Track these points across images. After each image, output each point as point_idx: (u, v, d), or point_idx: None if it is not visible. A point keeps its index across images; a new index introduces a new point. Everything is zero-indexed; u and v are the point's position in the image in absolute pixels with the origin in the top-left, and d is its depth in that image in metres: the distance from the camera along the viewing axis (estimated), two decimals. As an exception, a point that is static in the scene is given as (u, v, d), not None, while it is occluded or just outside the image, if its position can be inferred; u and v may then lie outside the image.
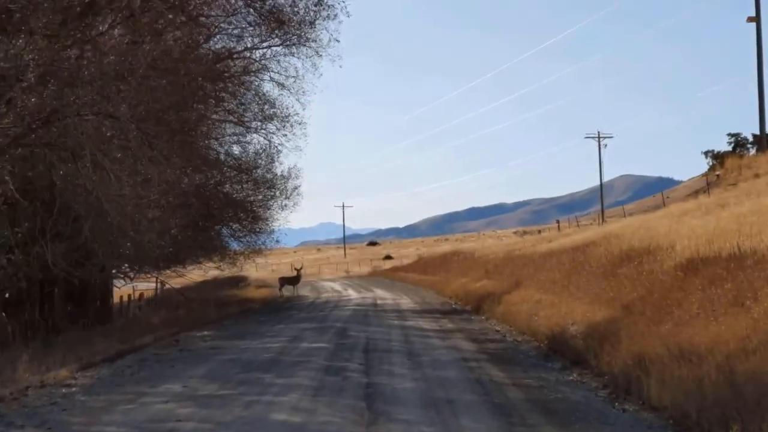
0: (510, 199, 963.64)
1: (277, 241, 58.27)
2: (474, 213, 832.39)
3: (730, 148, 79.54)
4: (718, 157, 78.20)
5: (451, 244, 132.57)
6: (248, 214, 52.85)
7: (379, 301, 43.97)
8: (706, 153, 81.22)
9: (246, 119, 51.64)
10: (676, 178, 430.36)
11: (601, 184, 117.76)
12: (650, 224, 34.38)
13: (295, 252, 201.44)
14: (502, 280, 38.37)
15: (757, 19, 64.11)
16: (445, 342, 23.25)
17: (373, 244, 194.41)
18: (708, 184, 63.61)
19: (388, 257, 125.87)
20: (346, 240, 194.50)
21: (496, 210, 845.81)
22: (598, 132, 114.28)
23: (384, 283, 69.19)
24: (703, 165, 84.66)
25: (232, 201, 49.68)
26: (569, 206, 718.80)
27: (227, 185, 49.47)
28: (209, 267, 58.82)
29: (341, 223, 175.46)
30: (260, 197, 52.58)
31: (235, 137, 52.41)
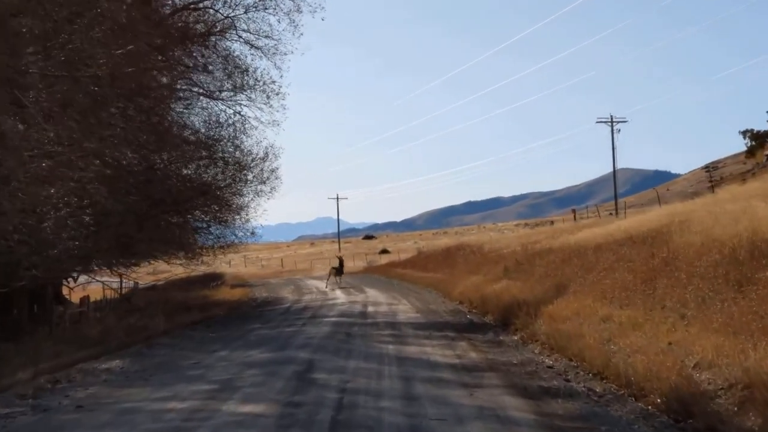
0: (507, 193, 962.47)
1: (253, 233, 49.94)
2: (471, 207, 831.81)
3: (770, 127, 70.49)
4: (758, 137, 69.25)
5: (450, 238, 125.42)
6: (218, 201, 44.63)
7: (370, 308, 34.60)
8: (744, 132, 72.00)
9: (214, 89, 43.34)
10: (674, 171, 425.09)
11: (614, 172, 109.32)
12: (718, 209, 25.86)
13: (288, 246, 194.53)
14: (531, 281, 29.22)
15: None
16: (474, 398, 13.61)
17: (369, 237, 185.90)
18: (757, 166, 54.66)
19: (384, 251, 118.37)
20: (343, 234, 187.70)
21: (494, 204, 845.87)
22: (611, 116, 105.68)
23: (379, 281, 59.85)
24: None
25: (192, 184, 41.11)
26: (566, 200, 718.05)
27: (192, 166, 41.23)
28: (176, 264, 51.42)
29: (338, 217, 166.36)
30: (229, 181, 44.22)
31: (202, 111, 44.14)
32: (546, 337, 19.79)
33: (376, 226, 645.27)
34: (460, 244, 64.96)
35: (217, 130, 41.43)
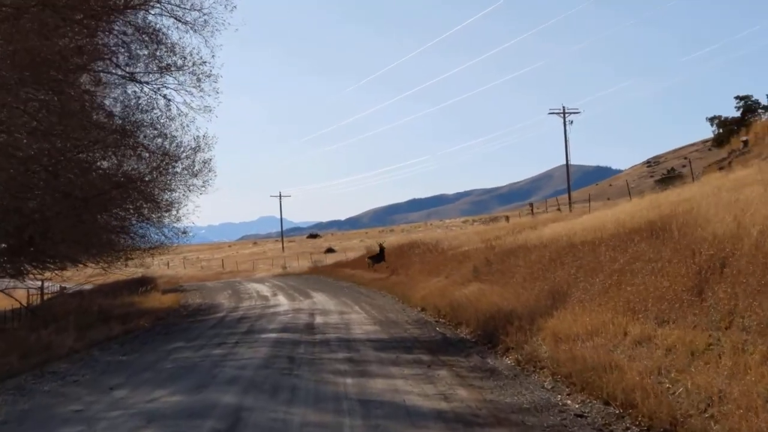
0: (451, 190, 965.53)
1: (185, 233, 44.71)
2: (415, 204, 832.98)
3: (738, 114, 66.30)
4: (726, 124, 65.10)
5: (397, 235, 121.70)
6: (143, 196, 39.40)
7: (318, 318, 29.34)
8: (711, 119, 67.72)
9: (136, 71, 37.99)
10: (615, 167, 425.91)
11: (567, 164, 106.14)
12: (721, 198, 23.10)
13: (230, 246, 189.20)
14: (513, 285, 24.18)
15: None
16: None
17: (313, 236, 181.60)
18: (733, 153, 50.24)
19: (330, 250, 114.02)
20: (287, 233, 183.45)
21: (438, 201, 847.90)
22: (563, 107, 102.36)
23: (326, 283, 54.51)
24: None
25: (110, 177, 35.95)
26: (510, 196, 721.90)
27: (114, 158, 36.29)
28: (96, 268, 46.32)
29: (282, 216, 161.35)
30: (154, 174, 39.10)
31: (121, 94, 38.92)
32: (554, 364, 14.74)
33: (321, 225, 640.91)
34: (414, 241, 59.85)
35: (139, 115, 36.21)
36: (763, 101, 64.50)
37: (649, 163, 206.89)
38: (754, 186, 26.12)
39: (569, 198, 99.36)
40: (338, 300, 38.22)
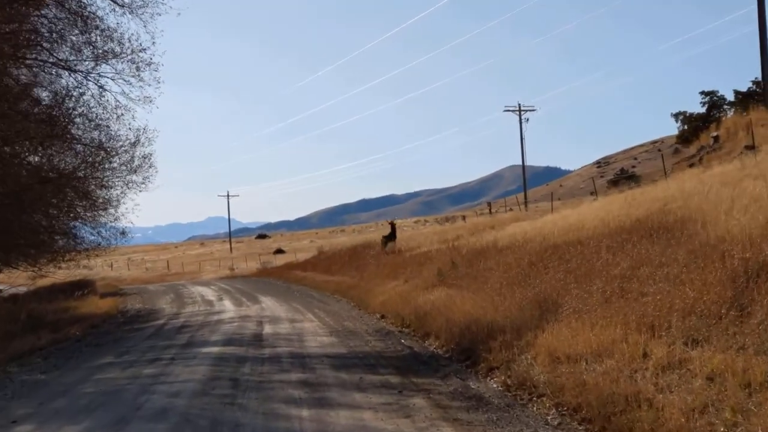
0: (401, 190, 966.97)
1: (123, 233, 41.82)
2: (365, 205, 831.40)
3: (703, 110, 64.24)
4: (692, 120, 63.07)
5: (348, 236, 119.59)
6: (77, 193, 36.47)
7: (267, 327, 26.39)
8: (676, 115, 65.69)
9: (70, 59, 35.04)
10: (564, 167, 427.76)
11: (524, 163, 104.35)
12: (718, 194, 21.05)
13: (176, 247, 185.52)
14: (487, 291, 21.48)
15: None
16: None
17: (262, 237, 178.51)
18: (703, 150, 48.03)
19: (279, 251, 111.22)
20: (236, 234, 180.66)
21: (388, 201, 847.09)
22: (519, 105, 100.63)
23: (276, 287, 51.50)
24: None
25: (36, 171, 33.06)
26: (460, 196, 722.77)
27: (37, 147, 33.58)
28: (24, 270, 43.59)
29: (230, 216, 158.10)
30: (88, 169, 36.29)
31: (52, 84, 36.11)
32: (555, 391, 12.02)
33: (270, 226, 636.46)
34: (368, 242, 57.07)
35: (71, 106, 33.30)
36: (729, 96, 62.53)
37: (599, 163, 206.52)
38: (747, 181, 23.74)
39: (525, 197, 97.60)
40: (289, 305, 35.34)
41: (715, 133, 47.63)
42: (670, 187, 30.34)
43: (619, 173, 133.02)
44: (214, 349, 20.70)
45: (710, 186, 24.99)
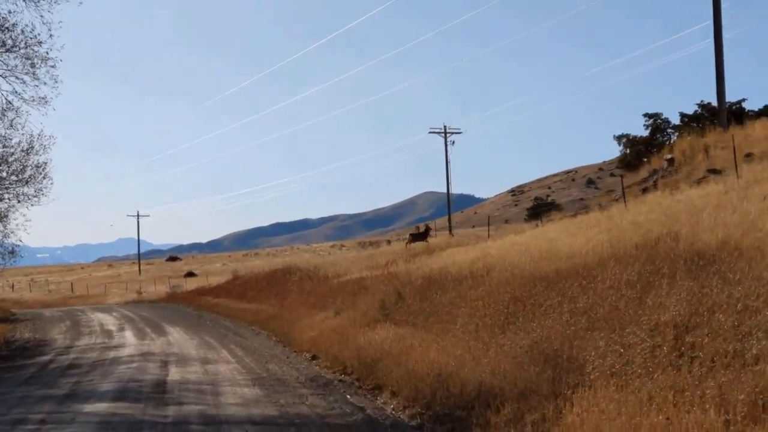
0: (315, 215, 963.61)
1: (12, 253, 36.70)
2: (279, 228, 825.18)
3: (647, 133, 60.96)
4: (635, 143, 59.74)
5: (263, 259, 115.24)
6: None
7: (173, 372, 21.33)
8: (619, 138, 62.33)
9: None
10: (477, 195, 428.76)
11: (449, 187, 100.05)
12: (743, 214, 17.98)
13: (83, 268, 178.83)
14: (455, 334, 16.93)
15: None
16: None
17: (173, 259, 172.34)
18: (656, 172, 44.44)
19: (190, 274, 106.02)
20: (146, 256, 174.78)
21: (302, 225, 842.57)
22: (444, 126, 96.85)
23: (186, 314, 46.40)
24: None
25: None
26: (374, 222, 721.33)
27: None
28: None
29: (140, 237, 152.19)
30: None
31: None
32: None
33: (182, 248, 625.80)
34: (289, 266, 52.32)
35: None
36: (674, 119, 59.46)
37: (513, 192, 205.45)
38: (753, 201, 19.94)
39: (449, 223, 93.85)
40: (200, 339, 30.42)
41: (669, 156, 44.09)
42: (642, 212, 26.50)
43: (536, 201, 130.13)
44: (101, 407, 15.64)
45: (710, 206, 21.09)
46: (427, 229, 52.12)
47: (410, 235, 51.61)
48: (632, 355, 10.89)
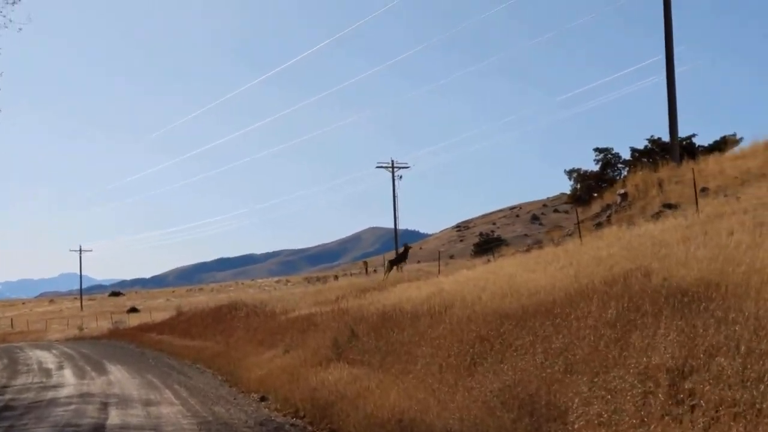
0: (259, 250, 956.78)
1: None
2: (223, 263, 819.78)
3: (597, 168, 60.68)
4: (586, 178, 59.34)
5: (207, 295, 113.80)
6: None
7: (113, 416, 19.97)
8: (570, 173, 61.87)
9: None
10: (422, 231, 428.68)
11: (396, 222, 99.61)
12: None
13: (24, 304, 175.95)
14: (416, 375, 15.89)
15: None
16: None
17: (116, 294, 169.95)
18: (609, 207, 43.88)
19: (133, 310, 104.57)
20: (89, 291, 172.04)
21: (246, 260, 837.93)
22: (392, 161, 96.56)
23: (128, 352, 44.88)
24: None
25: None
26: (319, 257, 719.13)
27: None
28: None
29: (83, 272, 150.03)
30: None
31: None
32: None
33: (125, 283, 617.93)
34: (235, 302, 50.93)
35: None
36: (625, 154, 59.21)
37: (458, 227, 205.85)
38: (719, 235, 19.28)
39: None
40: (143, 379, 29.06)
41: (622, 191, 43.57)
42: (602, 246, 25.74)
43: (482, 237, 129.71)
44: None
45: (674, 241, 20.38)
46: (406, 249, 50.29)
47: (388, 262, 49.82)
48: (621, 402, 9.92)
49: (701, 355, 10.05)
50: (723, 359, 9.70)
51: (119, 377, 30.01)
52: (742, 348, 9.75)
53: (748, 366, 9.38)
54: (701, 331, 10.73)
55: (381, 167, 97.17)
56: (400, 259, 48.66)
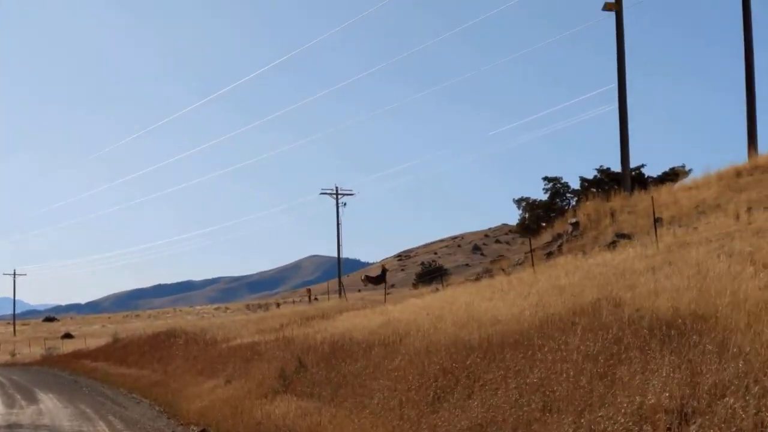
0: (198, 277, 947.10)
1: None
2: (161, 290, 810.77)
3: (546, 197, 60.19)
4: (535, 207, 58.79)
5: (143, 321, 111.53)
6: None
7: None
8: (518, 201, 61.27)
9: None
10: (363, 260, 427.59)
11: (339, 250, 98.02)
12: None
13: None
14: (374, 412, 14.70)
15: (618, 13, 45.79)
16: None
17: (50, 319, 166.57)
18: (560, 236, 43.18)
19: (68, 336, 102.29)
20: (23, 317, 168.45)
21: (184, 287, 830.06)
22: (336, 187, 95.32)
23: (61, 380, 43.15)
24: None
25: None
26: (259, 285, 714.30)
27: None
28: None
29: (17, 297, 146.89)
30: None
31: None
32: None
33: (60, 308, 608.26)
34: (173, 329, 49.44)
35: None
36: (574, 184, 58.78)
37: (399, 256, 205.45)
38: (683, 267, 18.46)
39: (340, 285, 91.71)
40: (75, 408, 27.55)
41: (573, 220, 42.89)
42: (558, 275, 24.87)
43: (424, 266, 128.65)
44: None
45: (637, 270, 19.58)
46: (384, 271, 49.12)
47: (366, 276, 48.71)
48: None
49: (705, 395, 9.01)
50: (732, 399, 8.67)
51: (50, 406, 28.47)
52: (757, 387, 8.74)
53: (763, 408, 8.35)
54: (700, 368, 9.68)
55: (325, 194, 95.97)
56: (379, 280, 47.57)
